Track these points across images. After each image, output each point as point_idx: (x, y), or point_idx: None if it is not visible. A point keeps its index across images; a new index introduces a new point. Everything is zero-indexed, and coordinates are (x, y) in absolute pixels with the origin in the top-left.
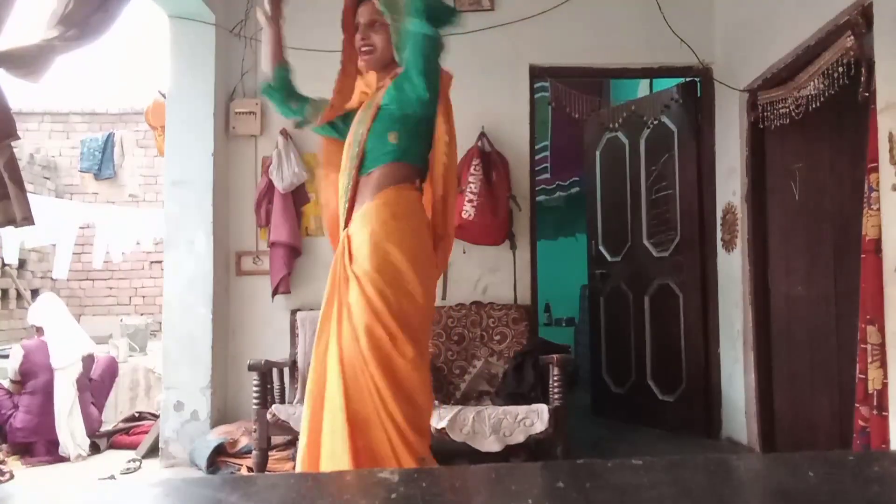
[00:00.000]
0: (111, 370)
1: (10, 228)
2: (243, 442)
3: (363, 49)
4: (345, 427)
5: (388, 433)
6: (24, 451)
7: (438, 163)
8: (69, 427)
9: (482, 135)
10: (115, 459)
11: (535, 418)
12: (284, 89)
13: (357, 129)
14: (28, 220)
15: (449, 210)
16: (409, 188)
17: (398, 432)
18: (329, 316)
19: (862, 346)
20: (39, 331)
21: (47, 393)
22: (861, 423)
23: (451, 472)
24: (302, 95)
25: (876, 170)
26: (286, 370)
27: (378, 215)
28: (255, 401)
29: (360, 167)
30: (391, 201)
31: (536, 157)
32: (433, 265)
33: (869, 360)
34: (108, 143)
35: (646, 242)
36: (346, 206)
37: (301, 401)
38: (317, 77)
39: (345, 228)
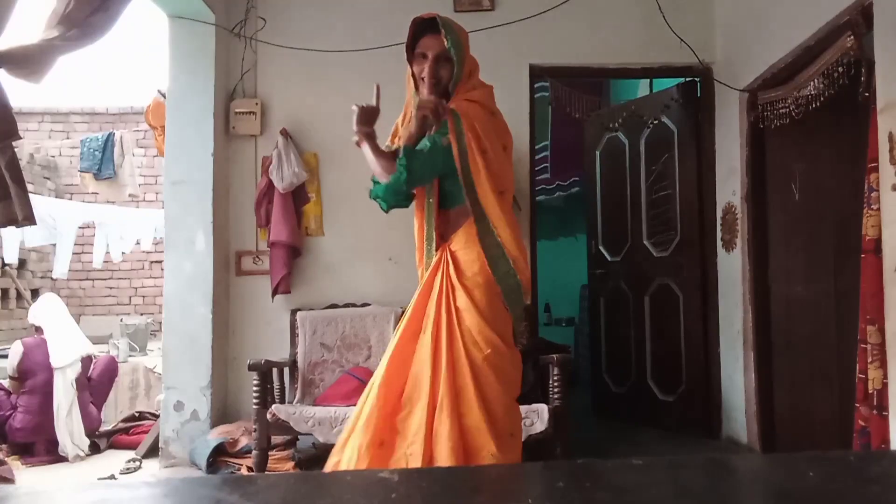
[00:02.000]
0: (111, 370)
1: (11, 228)
2: (243, 442)
3: (430, 81)
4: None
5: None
6: (24, 451)
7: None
8: (68, 427)
9: None
10: (115, 459)
11: (535, 418)
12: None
13: None
14: (29, 219)
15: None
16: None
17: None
18: (424, 319)
19: (862, 346)
20: (39, 330)
21: (46, 393)
22: (861, 423)
23: (452, 472)
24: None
25: (876, 170)
26: (286, 370)
27: (471, 243)
28: (255, 401)
29: (440, 204)
30: (475, 234)
31: (536, 157)
32: None
33: (869, 360)
34: (108, 143)
35: (646, 242)
36: (432, 229)
37: (301, 401)
38: (318, 77)
39: (436, 248)
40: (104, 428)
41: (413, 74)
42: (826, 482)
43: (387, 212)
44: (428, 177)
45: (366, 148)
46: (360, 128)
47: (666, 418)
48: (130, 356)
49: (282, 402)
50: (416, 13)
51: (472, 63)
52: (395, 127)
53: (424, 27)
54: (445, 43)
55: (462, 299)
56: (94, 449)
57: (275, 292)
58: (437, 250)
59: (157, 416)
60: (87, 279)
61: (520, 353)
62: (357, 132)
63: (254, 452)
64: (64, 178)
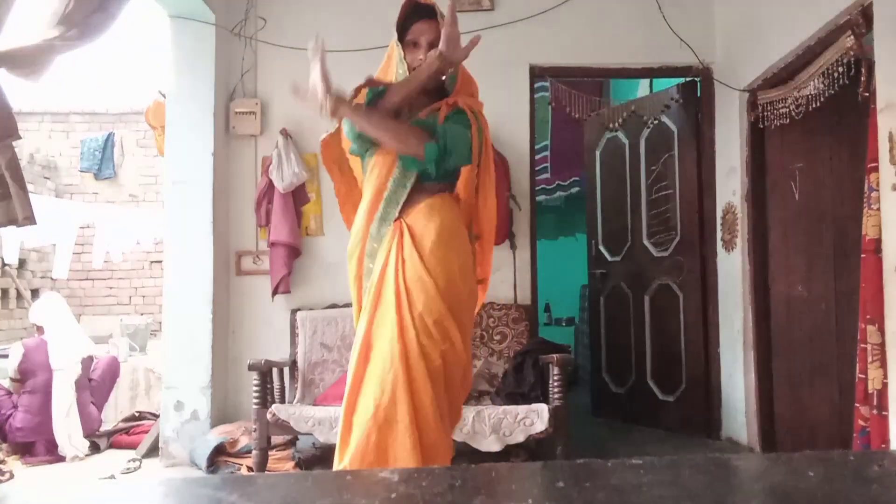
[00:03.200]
0: (113, 370)
1: (11, 228)
2: (243, 441)
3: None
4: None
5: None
6: (24, 450)
7: (474, 178)
8: (66, 428)
9: None
10: (115, 459)
11: (535, 418)
12: None
13: None
14: (30, 219)
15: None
16: (456, 201)
17: (442, 424)
18: (380, 296)
19: (862, 346)
20: (40, 329)
21: (47, 393)
22: (861, 423)
23: (451, 471)
24: None
25: (876, 170)
26: (286, 370)
27: (446, 210)
28: (255, 400)
29: (419, 178)
30: (450, 203)
31: (536, 157)
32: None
33: (869, 359)
34: (108, 143)
35: (646, 242)
36: (398, 208)
37: (301, 401)
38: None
39: (395, 220)
40: (104, 428)
41: (405, 60)
42: (826, 482)
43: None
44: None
45: (369, 114)
46: (335, 97)
47: (666, 418)
48: (130, 356)
49: (282, 402)
50: None
51: (472, 81)
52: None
53: (418, 12)
54: (437, 32)
55: (415, 277)
56: (95, 449)
57: (275, 292)
58: (390, 226)
59: (157, 416)
60: (87, 279)
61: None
62: (334, 102)
63: (254, 452)
64: (64, 178)
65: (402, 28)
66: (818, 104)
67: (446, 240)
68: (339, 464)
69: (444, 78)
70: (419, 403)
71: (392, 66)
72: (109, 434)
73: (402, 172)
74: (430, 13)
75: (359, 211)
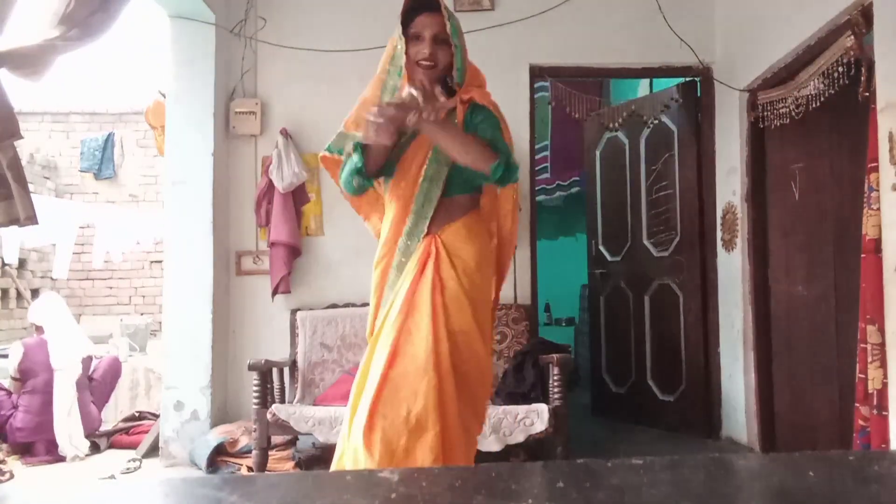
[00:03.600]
0: (114, 370)
1: (13, 228)
2: (243, 441)
3: (426, 63)
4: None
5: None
6: (24, 450)
7: (509, 199)
8: (67, 428)
9: None
10: (115, 459)
11: (535, 418)
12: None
13: (440, 153)
14: (31, 219)
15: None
16: (483, 217)
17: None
18: (413, 313)
19: (862, 345)
20: (39, 329)
21: (47, 392)
22: (861, 422)
23: (451, 471)
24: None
25: (876, 170)
26: (286, 370)
27: (481, 233)
28: (255, 400)
29: (445, 191)
30: (484, 224)
31: (536, 157)
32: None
33: (869, 359)
34: (108, 143)
35: (646, 242)
36: (427, 222)
37: (301, 401)
38: (318, 77)
39: (425, 235)
40: (104, 428)
41: (407, 55)
42: (826, 482)
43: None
44: None
45: (446, 129)
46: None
47: (666, 418)
48: (130, 356)
49: (282, 402)
50: None
51: (479, 72)
52: (354, 110)
53: (422, 5)
54: (446, 25)
55: (454, 297)
56: (95, 449)
57: (275, 292)
58: (421, 242)
59: (157, 416)
60: (87, 279)
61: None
62: (433, 108)
63: (254, 452)
64: (64, 178)
65: (406, 21)
66: (818, 104)
67: (483, 267)
68: (353, 459)
69: (451, 74)
70: (448, 414)
71: (391, 58)
72: (109, 434)
73: (428, 185)
74: (435, 6)
75: (385, 222)
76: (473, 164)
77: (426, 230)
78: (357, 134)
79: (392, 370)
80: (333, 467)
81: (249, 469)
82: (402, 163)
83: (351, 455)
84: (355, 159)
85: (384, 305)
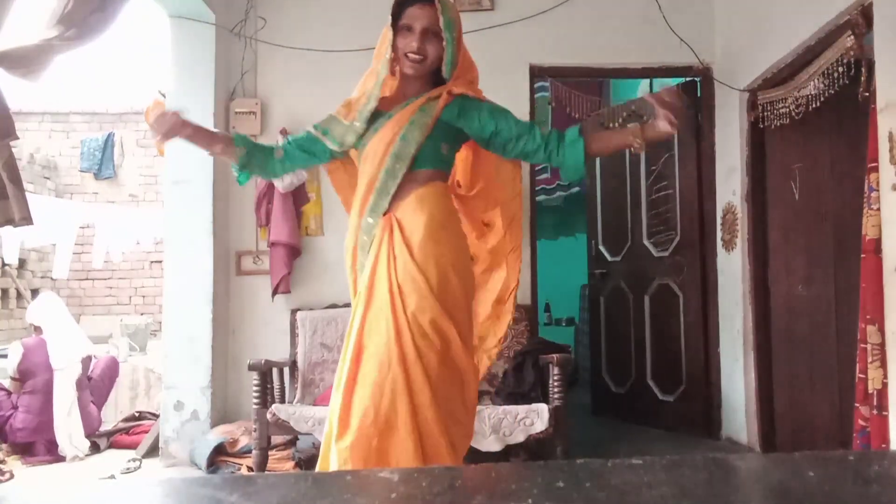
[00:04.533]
0: (112, 370)
1: (8, 228)
2: (243, 441)
3: (415, 57)
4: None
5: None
6: (24, 450)
7: (509, 185)
8: (67, 428)
9: None
10: (115, 459)
11: (535, 418)
12: (258, 159)
13: (409, 132)
14: (27, 219)
15: (519, 226)
16: (448, 191)
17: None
18: (372, 294)
19: (862, 345)
20: (38, 329)
21: (47, 392)
22: (861, 422)
23: (451, 471)
24: (268, 147)
25: (876, 170)
26: (286, 370)
27: (436, 201)
28: (255, 400)
29: (411, 167)
30: (441, 193)
31: None
32: (471, 268)
33: (869, 359)
34: (108, 143)
35: (646, 242)
36: (388, 199)
37: (301, 401)
38: (318, 77)
39: (384, 214)
40: (104, 428)
41: (394, 48)
42: (826, 482)
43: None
44: None
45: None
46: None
47: (666, 418)
48: (130, 356)
49: (282, 402)
50: None
51: (473, 67)
52: (349, 97)
53: None
54: (439, 17)
55: (409, 276)
56: (95, 449)
57: (275, 292)
58: (380, 220)
59: (157, 416)
60: (87, 279)
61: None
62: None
63: (254, 452)
64: (64, 178)
65: (397, 12)
66: (818, 104)
67: (435, 233)
68: (331, 461)
69: (442, 61)
70: (418, 407)
71: (381, 50)
72: (109, 434)
73: (394, 162)
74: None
75: (353, 202)
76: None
77: (386, 207)
78: (345, 122)
79: (359, 366)
80: (318, 466)
81: (249, 469)
82: (372, 142)
83: (335, 456)
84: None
85: (357, 293)
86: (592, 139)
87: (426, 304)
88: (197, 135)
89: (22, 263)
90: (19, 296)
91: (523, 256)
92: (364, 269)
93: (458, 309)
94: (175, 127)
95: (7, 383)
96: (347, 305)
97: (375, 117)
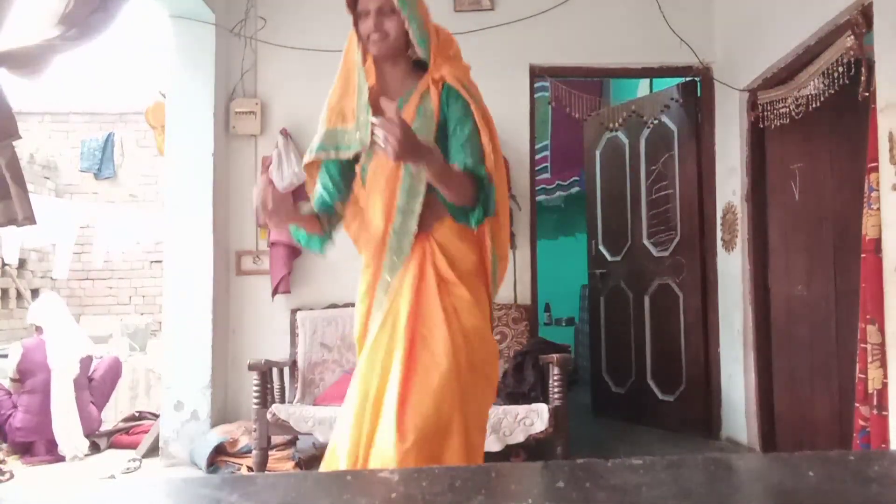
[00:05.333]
0: (114, 370)
1: (11, 228)
2: (243, 441)
3: (375, 36)
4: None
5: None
6: (24, 450)
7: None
8: (66, 428)
9: None
10: (115, 459)
11: (535, 418)
12: (332, 226)
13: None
14: (30, 219)
15: (506, 231)
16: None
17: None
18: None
19: (862, 345)
20: (39, 330)
21: (46, 392)
22: (861, 422)
23: (451, 471)
24: (329, 205)
25: (876, 170)
26: (286, 370)
27: (468, 229)
28: (255, 400)
29: (429, 186)
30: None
31: (536, 157)
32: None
33: (869, 359)
34: (108, 143)
35: (646, 242)
36: (415, 218)
37: (301, 401)
38: (318, 77)
39: (420, 233)
40: (104, 428)
41: (359, 37)
42: (826, 482)
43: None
44: None
45: (428, 164)
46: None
47: (666, 418)
48: (130, 356)
49: (282, 401)
50: None
51: (451, 41)
52: (332, 106)
53: None
54: None
55: (461, 297)
56: (95, 449)
57: (275, 292)
58: (414, 241)
59: (157, 416)
60: (87, 279)
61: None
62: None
63: (254, 452)
64: (64, 178)
65: (352, 2)
66: (818, 104)
67: (478, 264)
68: (376, 460)
69: (413, 46)
70: (468, 416)
71: (350, 48)
72: (109, 434)
73: (412, 181)
74: None
75: (370, 220)
76: (455, 202)
77: (416, 228)
78: (348, 126)
79: (413, 376)
80: (345, 464)
81: (249, 469)
82: (375, 156)
83: (383, 455)
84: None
85: (377, 308)
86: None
87: (479, 323)
88: (298, 219)
89: (22, 263)
90: (19, 296)
91: (524, 256)
92: (401, 290)
93: (490, 328)
94: (288, 214)
95: (7, 383)
96: (347, 305)
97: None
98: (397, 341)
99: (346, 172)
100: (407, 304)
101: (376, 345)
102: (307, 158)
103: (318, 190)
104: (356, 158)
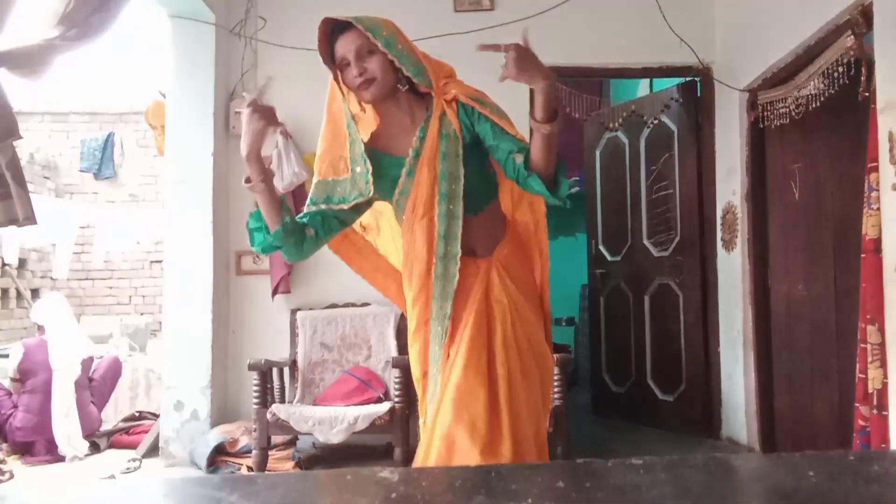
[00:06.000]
0: (114, 370)
1: (12, 228)
2: (243, 441)
3: (362, 82)
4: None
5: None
6: (24, 450)
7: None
8: (65, 428)
9: None
10: (115, 459)
11: None
12: (296, 236)
13: (444, 165)
14: (30, 219)
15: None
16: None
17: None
18: (480, 341)
19: (862, 345)
20: (41, 329)
21: (47, 392)
22: (861, 422)
23: (451, 471)
24: (303, 224)
25: (876, 169)
26: (286, 370)
27: (522, 253)
28: (255, 400)
29: (467, 208)
30: (520, 243)
31: None
32: None
33: (869, 359)
34: (108, 143)
35: (646, 242)
36: (458, 241)
37: (301, 400)
38: (318, 77)
39: (475, 257)
40: (104, 428)
41: (340, 87)
42: (826, 482)
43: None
44: None
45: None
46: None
47: (666, 418)
48: (130, 356)
49: (282, 401)
50: (417, 14)
51: (442, 63)
52: (321, 156)
53: (334, 31)
54: (367, 35)
55: (528, 319)
56: (94, 449)
57: (275, 292)
58: (466, 265)
59: (157, 416)
60: (87, 279)
61: None
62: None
63: (254, 452)
64: (64, 178)
65: (328, 53)
66: (818, 104)
67: (535, 284)
68: (469, 458)
69: (401, 76)
70: (542, 429)
71: (333, 96)
72: (109, 434)
73: (448, 205)
74: (344, 26)
75: (411, 254)
76: (549, 167)
77: (459, 250)
78: (340, 177)
79: (496, 386)
80: (434, 458)
81: (249, 469)
82: (414, 186)
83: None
84: (251, 223)
85: (435, 341)
86: (535, 163)
87: (541, 340)
88: (259, 167)
89: (22, 263)
90: (19, 296)
91: None
92: (455, 313)
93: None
94: (271, 120)
95: (7, 383)
96: (347, 305)
97: (377, 161)
98: (482, 366)
99: (334, 221)
100: (468, 332)
101: (449, 371)
102: (305, 211)
103: (307, 209)
104: (355, 208)
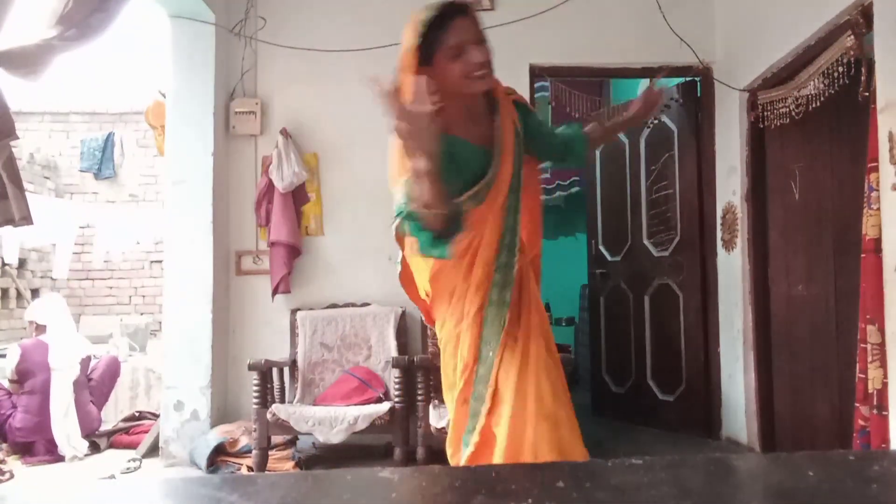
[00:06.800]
0: (113, 370)
1: (8, 228)
2: (243, 441)
3: (483, 71)
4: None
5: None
6: (24, 450)
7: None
8: (65, 428)
9: None
10: (115, 459)
11: None
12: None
13: (517, 159)
14: (26, 219)
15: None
16: None
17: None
18: (518, 329)
19: (862, 345)
20: (39, 328)
21: (46, 393)
22: (861, 422)
23: (451, 471)
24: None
25: (876, 169)
26: (286, 370)
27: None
28: (255, 400)
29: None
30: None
31: None
32: None
33: (869, 359)
34: (108, 142)
35: (646, 242)
36: (517, 234)
37: (301, 400)
38: (318, 77)
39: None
40: (104, 428)
41: (446, 78)
42: (826, 482)
43: None
44: None
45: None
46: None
47: (666, 418)
48: (130, 356)
49: (282, 401)
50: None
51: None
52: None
53: (448, 12)
54: (479, 25)
55: (543, 319)
56: (95, 448)
57: (275, 292)
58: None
59: (157, 416)
60: (87, 279)
61: None
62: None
63: (254, 452)
64: (64, 178)
65: (430, 41)
66: (818, 104)
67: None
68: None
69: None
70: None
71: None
72: (109, 434)
73: (515, 197)
74: (463, 9)
75: (482, 243)
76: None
77: (518, 242)
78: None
79: (541, 400)
80: (467, 455)
81: (249, 469)
82: (498, 177)
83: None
84: (423, 238)
85: (492, 326)
86: (592, 139)
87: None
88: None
89: (22, 263)
90: (19, 296)
91: None
92: (510, 313)
93: None
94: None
95: (6, 384)
96: (347, 305)
97: (457, 147)
98: (543, 351)
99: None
100: (503, 331)
101: (507, 362)
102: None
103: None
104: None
